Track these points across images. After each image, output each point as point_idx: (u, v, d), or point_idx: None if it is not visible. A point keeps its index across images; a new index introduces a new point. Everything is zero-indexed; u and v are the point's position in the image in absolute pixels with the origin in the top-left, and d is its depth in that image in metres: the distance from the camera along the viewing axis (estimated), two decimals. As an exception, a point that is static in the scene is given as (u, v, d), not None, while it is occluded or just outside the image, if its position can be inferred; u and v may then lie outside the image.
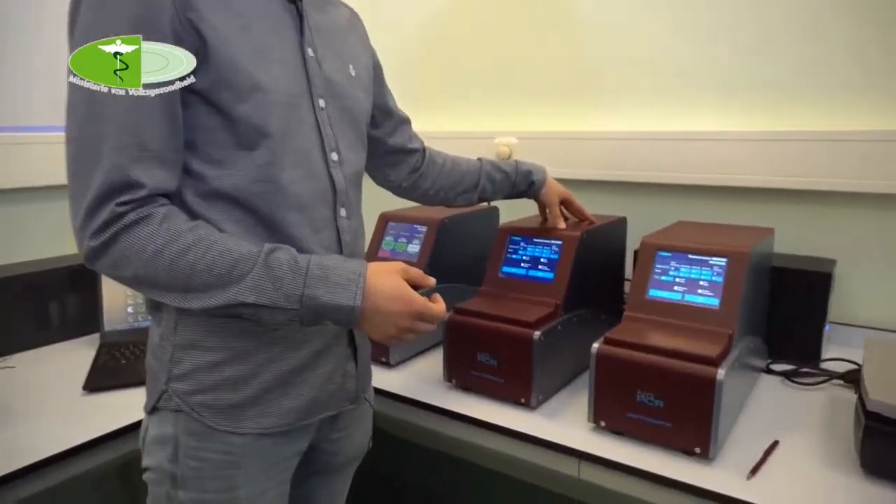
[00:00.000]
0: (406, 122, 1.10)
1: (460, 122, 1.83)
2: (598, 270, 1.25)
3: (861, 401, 0.88)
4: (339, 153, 0.84)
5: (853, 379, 1.11)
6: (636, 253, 1.38)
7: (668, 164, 1.46)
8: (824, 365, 1.19)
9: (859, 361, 1.12)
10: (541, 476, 0.99)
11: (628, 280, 1.38)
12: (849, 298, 1.29)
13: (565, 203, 1.23)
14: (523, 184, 1.20)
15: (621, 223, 1.32)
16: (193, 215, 0.73)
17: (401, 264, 0.78)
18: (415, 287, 0.77)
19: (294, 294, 0.70)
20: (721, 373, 0.86)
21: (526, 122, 1.70)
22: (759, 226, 1.20)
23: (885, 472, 0.84)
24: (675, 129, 1.46)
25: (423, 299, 0.76)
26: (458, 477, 1.10)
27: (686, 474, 0.86)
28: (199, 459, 0.77)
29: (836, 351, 1.22)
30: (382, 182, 1.13)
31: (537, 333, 1.03)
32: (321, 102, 0.82)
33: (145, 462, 0.80)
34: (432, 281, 0.81)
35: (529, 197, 1.23)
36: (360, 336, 0.89)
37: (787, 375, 1.17)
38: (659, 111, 1.50)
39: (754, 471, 0.87)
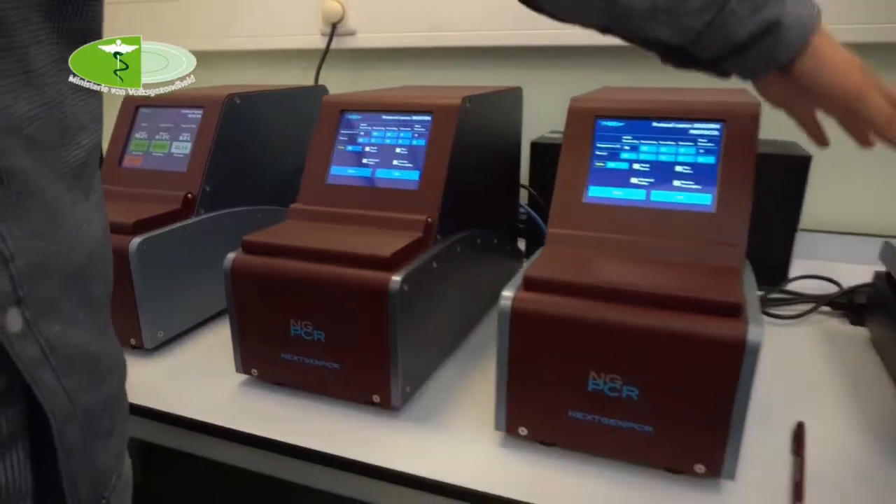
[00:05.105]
0: None
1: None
2: (488, 167, 0.79)
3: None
4: None
5: (847, 304, 0.77)
6: (534, 146, 0.94)
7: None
8: (793, 286, 0.84)
9: (834, 278, 0.83)
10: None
11: (524, 187, 0.94)
12: (813, 194, 0.94)
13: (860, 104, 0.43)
14: (750, 25, 0.41)
15: (514, 95, 0.85)
16: None
17: None
18: None
19: None
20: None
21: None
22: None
23: None
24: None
25: None
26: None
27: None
28: None
29: (798, 266, 0.87)
30: None
31: (396, 279, 0.55)
32: None
33: None
34: None
35: (760, 73, 0.45)
36: (65, 367, 0.35)
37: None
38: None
39: (799, 494, 0.48)
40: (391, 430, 0.57)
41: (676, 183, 0.57)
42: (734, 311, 0.45)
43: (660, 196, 0.57)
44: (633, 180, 0.58)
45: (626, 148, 0.60)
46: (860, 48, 0.46)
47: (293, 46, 1.19)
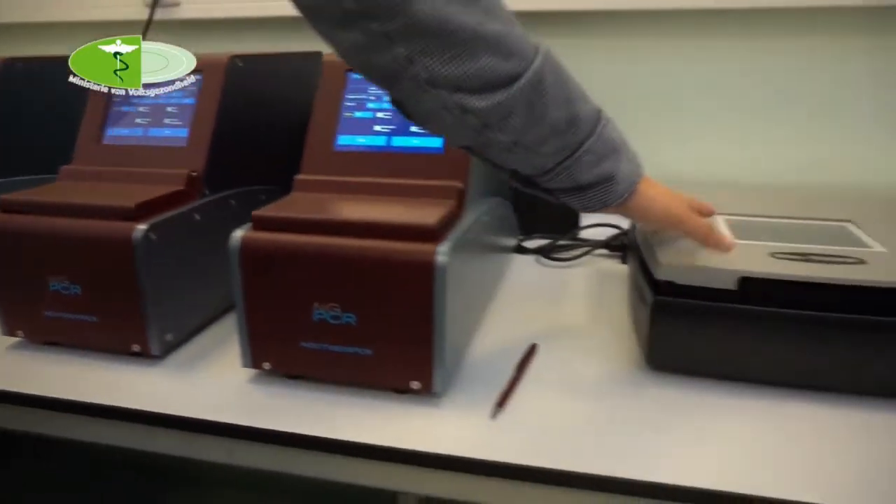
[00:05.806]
0: None
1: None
2: (280, 128, 0.81)
3: (644, 271, 0.59)
4: None
5: (619, 245, 0.86)
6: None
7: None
8: (585, 234, 0.92)
9: (620, 225, 0.90)
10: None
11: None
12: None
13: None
14: (590, 174, 0.49)
15: (311, 60, 0.87)
16: None
17: None
18: None
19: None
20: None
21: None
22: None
23: (677, 362, 0.57)
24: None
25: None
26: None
27: (408, 425, 0.50)
28: None
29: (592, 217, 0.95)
30: None
31: (141, 228, 0.57)
32: None
33: None
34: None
35: (591, 210, 0.52)
36: None
37: (542, 252, 0.87)
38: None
39: (502, 401, 0.53)
40: (149, 377, 0.59)
41: (414, 128, 0.61)
42: (427, 235, 0.50)
43: (399, 141, 0.61)
44: (376, 128, 0.62)
45: (372, 98, 0.63)
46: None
47: (116, 18, 1.16)
